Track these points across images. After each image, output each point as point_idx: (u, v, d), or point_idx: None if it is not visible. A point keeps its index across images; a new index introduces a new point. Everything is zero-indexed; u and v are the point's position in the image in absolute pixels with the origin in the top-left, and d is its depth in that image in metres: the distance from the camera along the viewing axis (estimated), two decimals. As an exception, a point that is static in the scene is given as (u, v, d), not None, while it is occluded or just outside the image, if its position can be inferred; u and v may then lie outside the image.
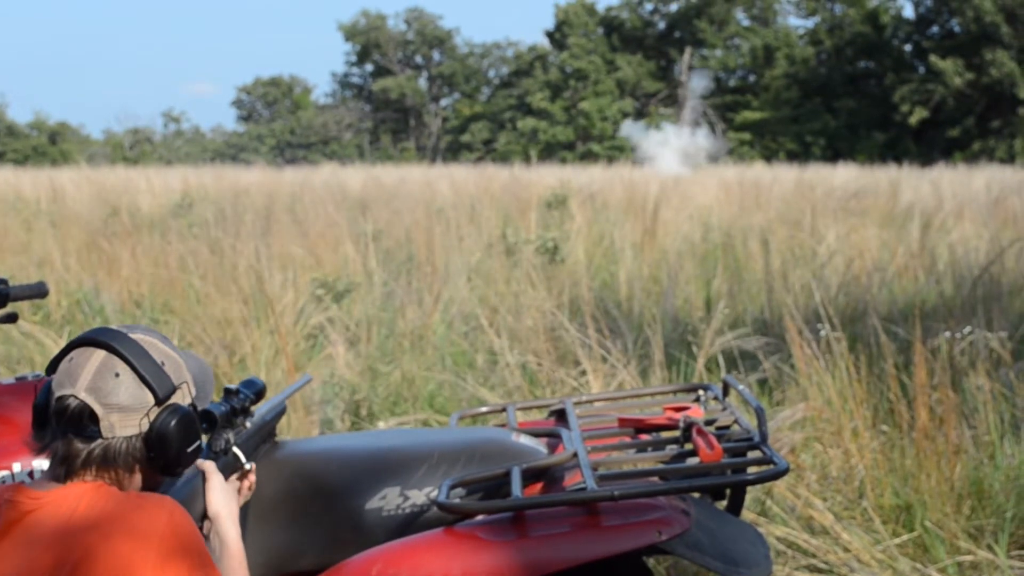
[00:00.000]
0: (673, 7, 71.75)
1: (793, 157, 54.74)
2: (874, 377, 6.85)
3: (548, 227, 15.17)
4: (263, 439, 3.33)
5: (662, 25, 72.19)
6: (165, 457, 2.55)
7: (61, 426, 2.51)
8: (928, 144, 57.99)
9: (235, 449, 3.04)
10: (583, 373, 7.26)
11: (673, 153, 45.72)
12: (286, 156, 68.44)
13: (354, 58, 77.84)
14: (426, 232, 13.04)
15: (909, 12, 65.02)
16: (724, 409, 3.77)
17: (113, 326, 2.62)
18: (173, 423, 2.55)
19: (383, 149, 71.52)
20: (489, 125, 71.02)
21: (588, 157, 59.65)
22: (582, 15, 72.12)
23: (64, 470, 2.53)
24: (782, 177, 26.09)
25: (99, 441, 2.51)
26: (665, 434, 3.64)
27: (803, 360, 6.71)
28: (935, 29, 63.14)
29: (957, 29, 61.13)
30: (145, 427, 2.54)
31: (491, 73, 76.53)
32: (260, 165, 43.76)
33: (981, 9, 57.41)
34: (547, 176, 26.91)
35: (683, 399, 4.03)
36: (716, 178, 25.10)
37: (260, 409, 3.33)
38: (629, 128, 55.07)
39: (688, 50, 68.76)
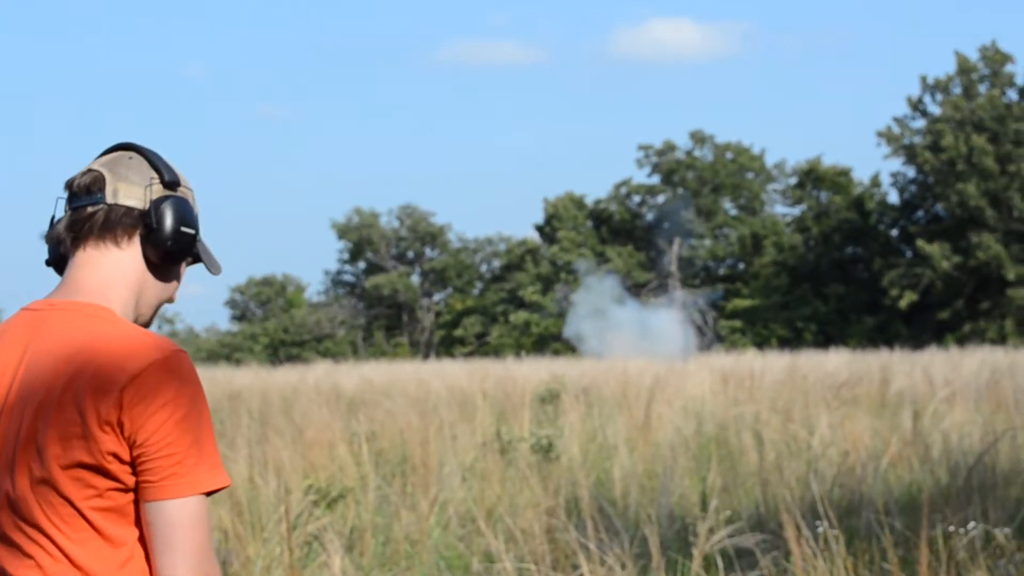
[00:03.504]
0: (660, 199, 72.71)
1: (785, 343, 55.03)
2: (874, 575, 6.81)
3: (541, 423, 15.17)
4: None
5: (650, 216, 73.08)
6: (161, 228, 2.63)
7: (72, 201, 2.67)
8: (919, 327, 58.33)
9: None
10: (580, 576, 7.21)
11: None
12: (280, 355, 68.61)
13: (347, 255, 78.51)
14: (420, 432, 13.04)
15: (894, 198, 65.88)
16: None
17: None
18: (171, 199, 2.67)
19: (376, 345, 71.75)
20: (482, 319, 71.43)
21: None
22: (571, 208, 73.03)
23: (71, 236, 2.66)
24: (774, 365, 26.17)
25: (103, 206, 2.64)
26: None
27: (801, 558, 6.68)
28: (920, 214, 64.01)
29: (942, 213, 61.96)
30: (146, 202, 2.66)
31: (483, 267, 77.20)
32: (253, 365, 43.85)
33: (965, 194, 58.24)
34: (540, 370, 27.00)
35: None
36: (708, 367, 25.18)
37: None
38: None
39: (677, 240, 69.50)
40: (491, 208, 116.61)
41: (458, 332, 71.46)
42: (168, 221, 2.65)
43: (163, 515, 2.45)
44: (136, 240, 2.67)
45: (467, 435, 13.75)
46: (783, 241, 66.79)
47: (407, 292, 74.57)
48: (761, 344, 55.38)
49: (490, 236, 77.18)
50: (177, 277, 2.80)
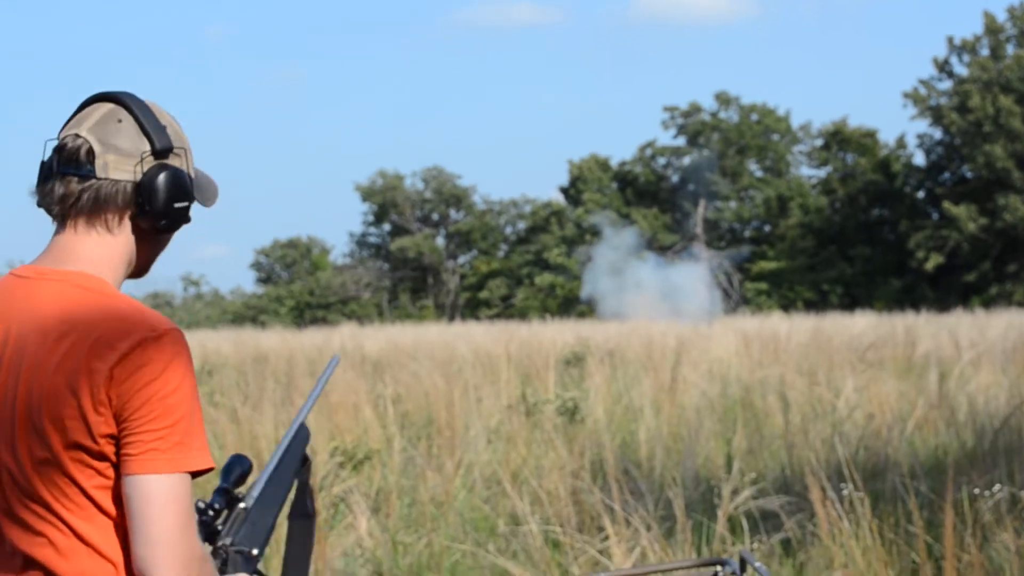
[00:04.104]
0: (686, 160, 72.49)
1: (811, 306, 54.86)
2: (899, 538, 6.81)
3: (567, 386, 15.19)
4: (295, 471, 3.05)
5: (676, 179, 72.87)
6: (152, 206, 2.58)
7: (61, 165, 2.59)
8: (945, 289, 58.08)
9: (234, 549, 2.79)
10: (606, 539, 7.23)
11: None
12: (305, 317, 68.72)
13: (371, 218, 78.46)
14: (445, 394, 13.07)
15: (920, 160, 65.44)
16: (743, 585, 3.75)
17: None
18: (164, 174, 2.59)
19: (402, 307, 71.79)
20: (507, 281, 71.37)
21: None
22: (596, 170, 72.86)
23: (59, 210, 2.60)
24: (799, 327, 26.12)
25: (92, 181, 2.57)
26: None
27: (826, 521, 6.68)
28: (947, 175, 63.65)
29: (969, 175, 61.61)
30: (138, 175, 2.59)
31: (508, 230, 77.08)
32: (278, 327, 43.96)
33: (992, 155, 57.90)
34: (565, 332, 27.00)
35: (702, 573, 4.02)
36: (733, 330, 25.14)
37: (278, 448, 3.05)
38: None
39: (702, 202, 69.31)
40: (516, 170, 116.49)
41: (483, 294, 71.43)
42: (160, 198, 2.59)
43: (139, 489, 2.42)
44: (128, 218, 2.62)
45: (492, 397, 13.79)
46: (809, 203, 66.52)
47: (432, 254, 74.55)
48: (787, 307, 55.25)
49: (515, 198, 77.06)
50: (168, 242, 2.75)
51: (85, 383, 2.44)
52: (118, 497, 2.47)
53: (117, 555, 2.48)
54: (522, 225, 75.69)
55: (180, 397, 2.46)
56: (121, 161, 2.59)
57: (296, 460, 3.07)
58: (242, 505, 2.86)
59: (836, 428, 10.85)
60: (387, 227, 78.28)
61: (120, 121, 2.62)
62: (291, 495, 3.05)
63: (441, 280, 75.39)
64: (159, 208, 2.59)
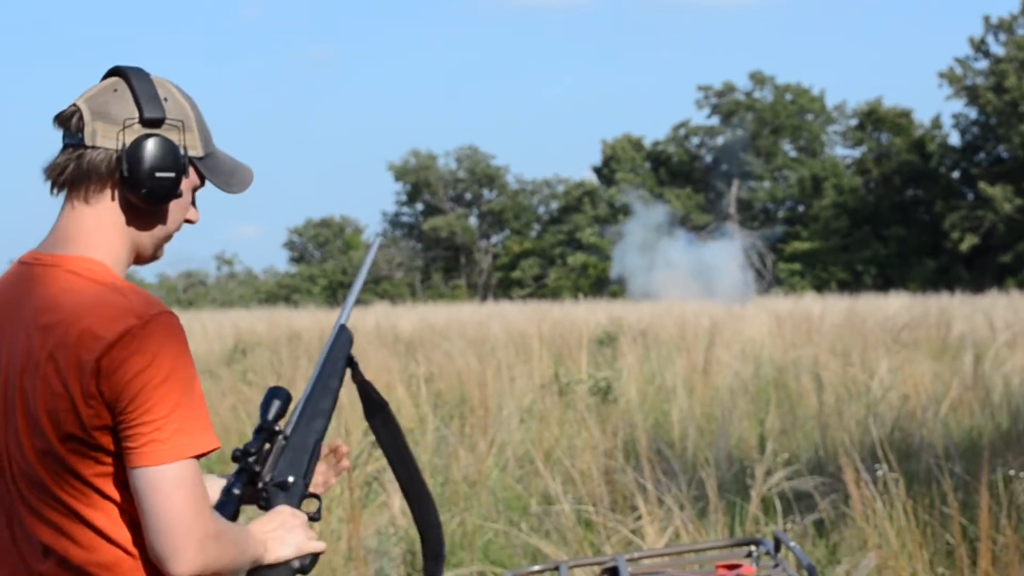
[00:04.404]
0: (720, 140, 72.25)
1: (844, 286, 54.63)
2: (933, 519, 6.79)
3: (599, 366, 15.18)
4: (341, 376, 2.98)
5: (709, 158, 72.66)
6: (135, 175, 2.53)
7: (63, 137, 2.59)
8: (980, 270, 57.77)
9: (273, 485, 2.77)
10: (638, 518, 7.23)
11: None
12: (338, 296, 68.85)
13: (404, 198, 78.49)
14: (478, 374, 13.08)
15: (956, 140, 64.96)
16: (776, 566, 3.75)
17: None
18: (150, 142, 2.55)
19: (434, 287, 71.87)
20: (539, 261, 71.31)
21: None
22: (629, 150, 72.71)
23: (51, 181, 2.60)
24: (833, 308, 26.04)
25: (81, 151, 2.55)
26: (719, 592, 3.63)
27: (860, 501, 6.67)
28: (982, 155, 63.21)
29: (1005, 155, 61.18)
30: (122, 143, 2.55)
31: (541, 209, 76.98)
32: (311, 307, 44.05)
33: (1028, 135, 57.51)
34: (597, 312, 26.98)
35: (736, 553, 4.02)
36: (767, 310, 25.07)
37: (321, 358, 2.97)
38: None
39: (736, 182, 69.08)
40: (549, 150, 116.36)
41: (516, 274, 71.40)
42: (142, 167, 2.54)
43: (145, 481, 2.40)
44: (111, 189, 2.58)
45: (525, 377, 13.79)
46: (843, 183, 66.22)
47: (465, 234, 74.54)
48: (820, 287, 55.02)
49: (548, 178, 76.95)
50: (167, 218, 2.67)
51: (74, 375, 2.43)
52: (122, 483, 2.46)
53: (126, 540, 2.48)
54: (555, 205, 75.58)
55: (173, 383, 2.42)
56: (108, 129, 2.56)
57: (341, 365, 3.00)
58: (282, 436, 2.82)
59: (870, 409, 10.82)
60: (420, 207, 78.31)
61: (116, 91, 2.60)
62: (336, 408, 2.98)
63: (473, 260, 75.40)
64: (139, 176, 2.54)
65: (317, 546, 2.72)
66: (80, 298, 2.48)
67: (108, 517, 2.48)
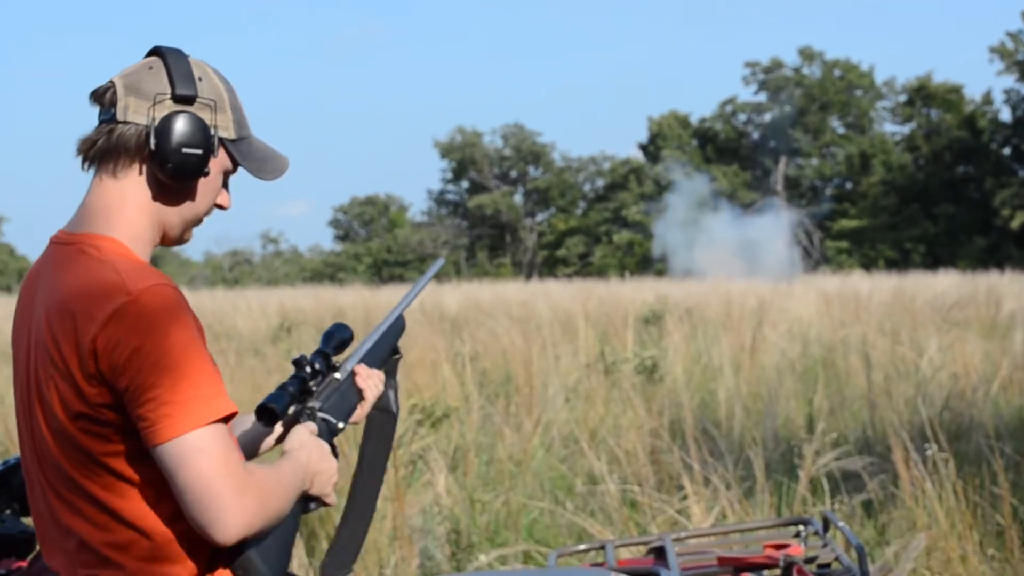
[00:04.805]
0: (767, 117, 71.90)
1: (892, 265, 54.32)
2: (984, 500, 6.73)
3: (645, 344, 15.14)
4: (384, 360, 3.06)
5: (756, 135, 72.33)
6: (162, 149, 2.54)
7: (99, 112, 2.62)
8: (1031, 248, 57.32)
9: (320, 415, 2.83)
10: (684, 498, 7.21)
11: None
12: (383, 274, 69.03)
13: (450, 175, 78.57)
14: (523, 352, 13.07)
15: (1007, 115, 64.41)
16: (825, 546, 3.73)
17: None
18: (180, 118, 2.56)
19: (479, 265, 71.91)
20: (585, 239, 71.25)
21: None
22: (675, 127, 72.48)
23: (82, 155, 2.62)
24: (881, 286, 25.89)
25: (112, 126, 2.57)
26: (765, 573, 3.61)
27: (909, 482, 6.62)
28: (1034, 132, 62.68)
29: (1056, 131, 60.65)
30: (153, 118, 2.56)
31: (586, 187, 76.88)
32: (356, 285, 44.17)
33: (1080, 111, 56.95)
34: (643, 290, 26.93)
35: (784, 533, 4.00)
36: (814, 289, 24.95)
37: (372, 334, 3.04)
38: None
39: (783, 159, 68.73)
40: (595, 127, 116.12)
41: (561, 252, 71.38)
42: (170, 142, 2.54)
43: (166, 457, 2.38)
44: (140, 164, 2.59)
45: (570, 356, 13.77)
46: (892, 160, 65.78)
47: (510, 212, 74.55)
48: (868, 265, 54.72)
49: (594, 155, 76.86)
50: (195, 196, 2.66)
51: (74, 356, 2.43)
52: (136, 462, 2.46)
53: (141, 521, 2.48)
54: (600, 182, 75.48)
55: (175, 355, 2.40)
56: (140, 104, 2.57)
57: (388, 349, 3.07)
58: (337, 375, 2.89)
59: (920, 388, 10.75)
60: (465, 184, 78.36)
61: (151, 68, 2.61)
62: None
63: (519, 238, 75.40)
64: (166, 151, 2.55)
65: (331, 500, 2.74)
66: (80, 278, 2.49)
67: (122, 497, 2.47)
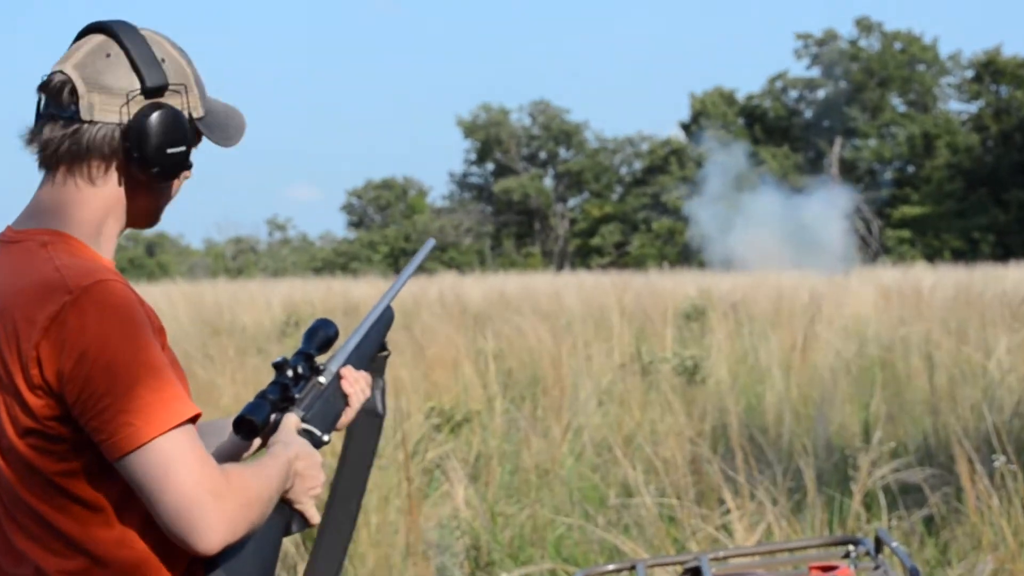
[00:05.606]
0: (820, 94, 71.73)
1: (959, 256, 54.18)
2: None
3: (686, 343, 15.13)
4: (372, 358, 3.03)
5: (809, 114, 72.16)
6: (142, 152, 2.51)
7: (46, 106, 2.55)
8: (1111, 238, 57.08)
9: (304, 426, 2.77)
10: (726, 513, 7.19)
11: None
12: (400, 264, 69.11)
13: (473, 156, 78.59)
14: (552, 351, 13.07)
15: (1084, 92, 64.16)
16: (877, 567, 3.71)
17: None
18: (155, 115, 2.52)
19: (506, 255, 71.94)
20: (621, 227, 71.19)
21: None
22: (720, 105, 72.34)
23: (41, 157, 2.57)
24: (946, 280, 25.81)
25: (76, 126, 2.51)
26: (812, 598, 3.59)
27: (974, 496, 6.60)
28: (1115, 111, 62.43)
29: None
30: (126, 117, 2.52)
31: (623, 170, 76.81)
32: (371, 275, 44.25)
33: None
34: (685, 283, 26.91)
35: (833, 553, 3.98)
36: (872, 282, 24.89)
37: (358, 330, 3.01)
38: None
39: (838, 140, 68.57)
40: (632, 105, 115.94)
41: (595, 241, 71.35)
42: (150, 144, 2.51)
43: (132, 468, 2.35)
44: (116, 167, 2.56)
45: (604, 355, 13.77)
46: (958, 141, 65.58)
47: (539, 197, 74.53)
48: (932, 257, 54.54)
49: (631, 136, 76.72)
50: (172, 190, 2.67)
51: (17, 366, 2.41)
52: (91, 483, 2.44)
53: (95, 548, 2.45)
54: (638, 165, 75.41)
55: (124, 356, 2.37)
56: (108, 102, 2.53)
57: (375, 345, 3.04)
58: (321, 379, 2.84)
59: (987, 393, 10.71)
60: (490, 166, 78.37)
61: (109, 56, 2.55)
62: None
63: (549, 225, 75.40)
64: (149, 154, 2.52)
65: (314, 518, 2.71)
66: (22, 279, 2.47)
67: (75, 521, 2.45)
